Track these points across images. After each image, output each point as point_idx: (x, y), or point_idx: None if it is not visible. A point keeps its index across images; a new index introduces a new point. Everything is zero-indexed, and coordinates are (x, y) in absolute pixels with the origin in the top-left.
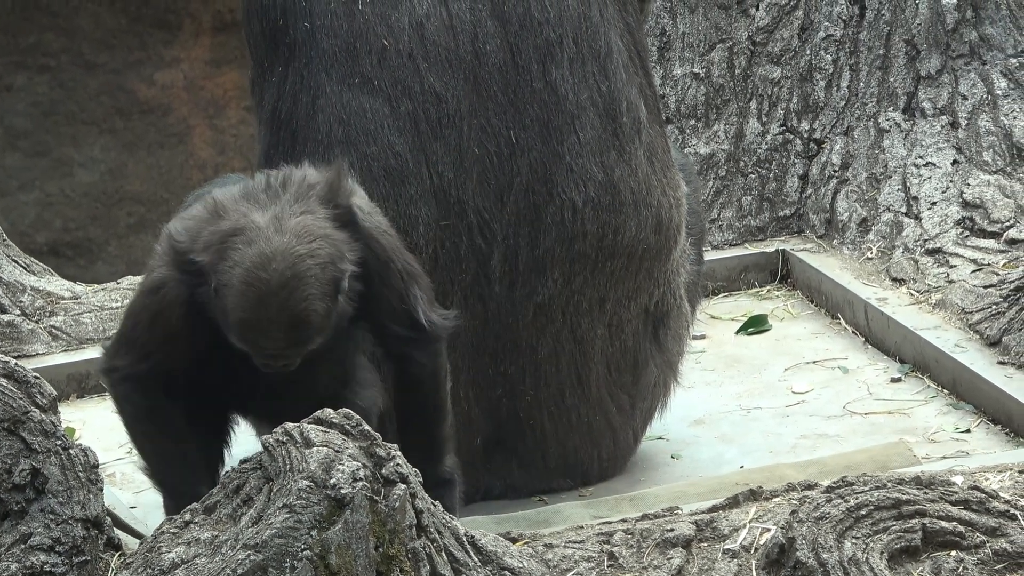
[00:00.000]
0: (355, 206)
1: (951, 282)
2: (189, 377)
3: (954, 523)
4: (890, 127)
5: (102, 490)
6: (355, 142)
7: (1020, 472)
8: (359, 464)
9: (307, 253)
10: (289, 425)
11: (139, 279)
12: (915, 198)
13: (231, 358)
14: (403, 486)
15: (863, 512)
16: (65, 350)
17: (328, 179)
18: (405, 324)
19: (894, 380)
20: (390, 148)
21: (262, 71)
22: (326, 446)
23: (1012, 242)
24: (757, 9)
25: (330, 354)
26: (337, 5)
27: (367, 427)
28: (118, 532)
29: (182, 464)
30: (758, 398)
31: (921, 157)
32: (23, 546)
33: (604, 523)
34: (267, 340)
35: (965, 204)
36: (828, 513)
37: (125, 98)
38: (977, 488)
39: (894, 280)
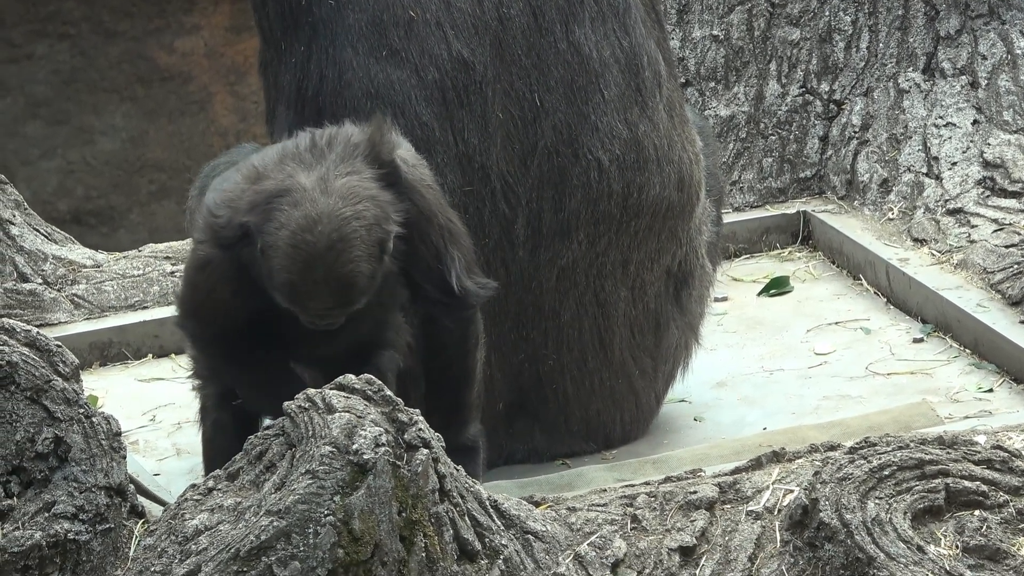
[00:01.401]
0: (399, 159)
1: (972, 242)
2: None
3: (977, 482)
4: (910, 88)
5: (125, 458)
6: (384, 115)
7: None
8: (381, 429)
9: (353, 215)
10: (311, 391)
11: (160, 247)
12: (936, 158)
13: (277, 313)
14: (425, 451)
15: (886, 473)
16: (87, 318)
17: (370, 136)
18: (437, 286)
19: (916, 340)
20: (417, 119)
21: (278, 52)
22: (348, 412)
23: None
24: None
25: (372, 307)
26: None
27: (389, 392)
28: (141, 499)
29: (272, 381)
30: (780, 360)
31: (941, 117)
32: (47, 514)
33: (627, 486)
34: (314, 301)
35: (986, 164)
36: (851, 474)
37: (145, 66)
38: (1000, 447)
39: (915, 240)
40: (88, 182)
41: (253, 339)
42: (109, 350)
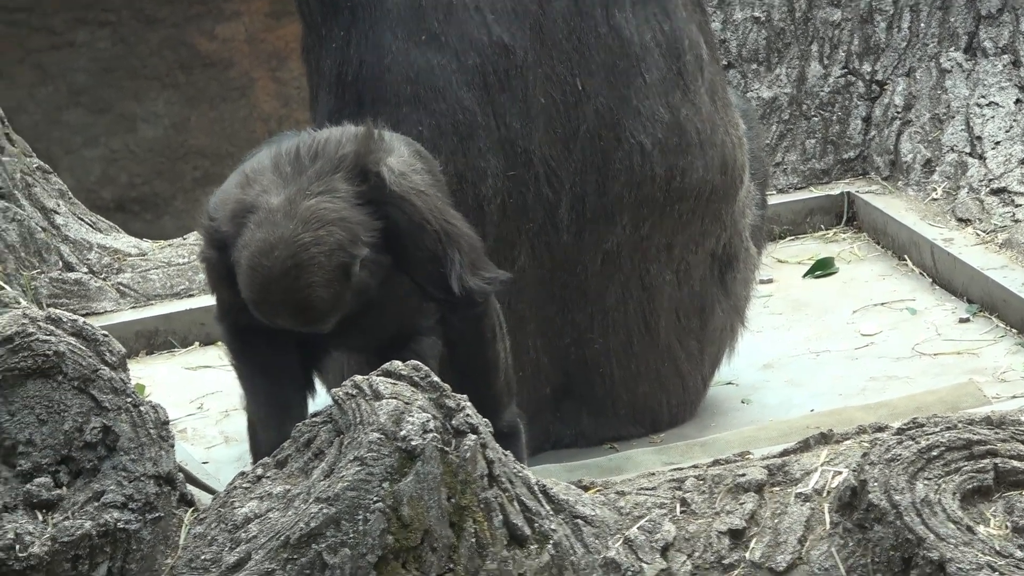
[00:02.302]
0: (385, 171)
1: (1017, 221)
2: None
3: None
4: (952, 67)
5: (173, 446)
6: (424, 100)
7: None
8: (429, 415)
9: (312, 241)
10: (358, 378)
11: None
12: (979, 138)
13: None
14: (473, 436)
15: (934, 453)
16: (133, 307)
17: (355, 148)
18: (440, 287)
19: (962, 320)
20: (459, 103)
21: (319, 38)
22: (395, 398)
23: None
24: None
25: (399, 300)
26: None
27: (436, 378)
28: (190, 488)
29: (267, 400)
30: (826, 341)
31: (984, 97)
32: (96, 504)
33: (675, 469)
34: (277, 320)
35: None
36: (899, 455)
37: (186, 52)
38: None
39: (960, 220)
40: (131, 169)
41: (273, 339)
42: (156, 339)
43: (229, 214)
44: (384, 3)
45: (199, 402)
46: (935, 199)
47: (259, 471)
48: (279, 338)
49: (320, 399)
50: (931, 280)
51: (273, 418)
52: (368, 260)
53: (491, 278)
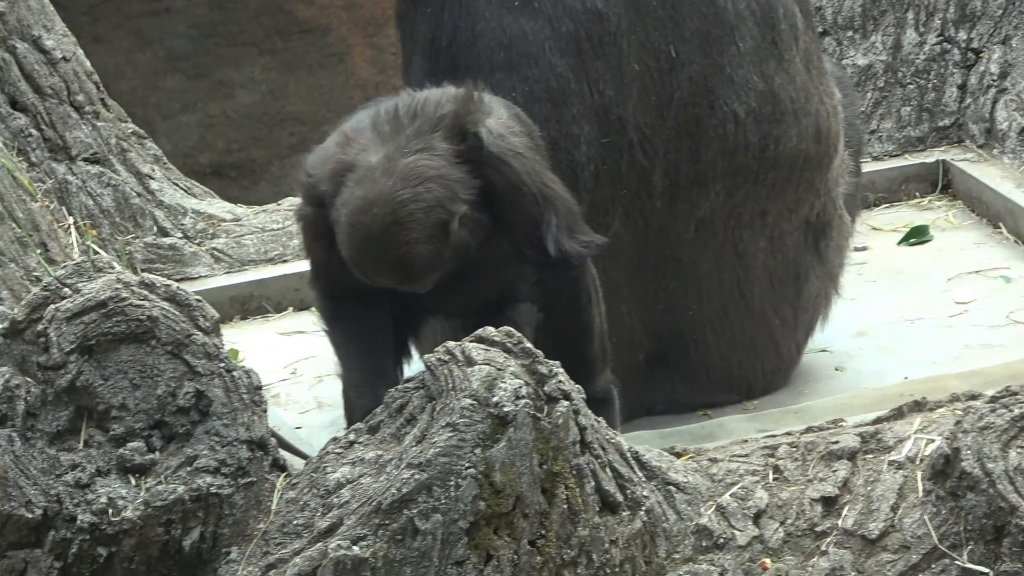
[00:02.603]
0: (484, 131)
1: None
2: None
3: None
4: None
5: (266, 411)
6: (517, 66)
7: None
8: (521, 382)
9: (411, 198)
10: (451, 344)
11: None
12: None
13: None
14: (566, 403)
15: None
16: (227, 272)
17: (455, 108)
18: (537, 249)
19: None
20: (552, 69)
21: (413, 3)
22: (488, 364)
23: None
24: None
25: (495, 264)
26: None
27: (529, 344)
28: (283, 453)
29: (361, 365)
30: (921, 309)
31: None
32: (189, 468)
33: (768, 436)
34: (377, 278)
35: None
36: (993, 423)
37: (284, 18)
38: None
39: None
40: (228, 135)
41: (368, 303)
42: (249, 304)
43: (328, 172)
44: None
45: (293, 367)
46: None
47: (351, 436)
48: (374, 302)
49: (415, 366)
50: None
51: (366, 384)
52: (467, 218)
53: (587, 241)
